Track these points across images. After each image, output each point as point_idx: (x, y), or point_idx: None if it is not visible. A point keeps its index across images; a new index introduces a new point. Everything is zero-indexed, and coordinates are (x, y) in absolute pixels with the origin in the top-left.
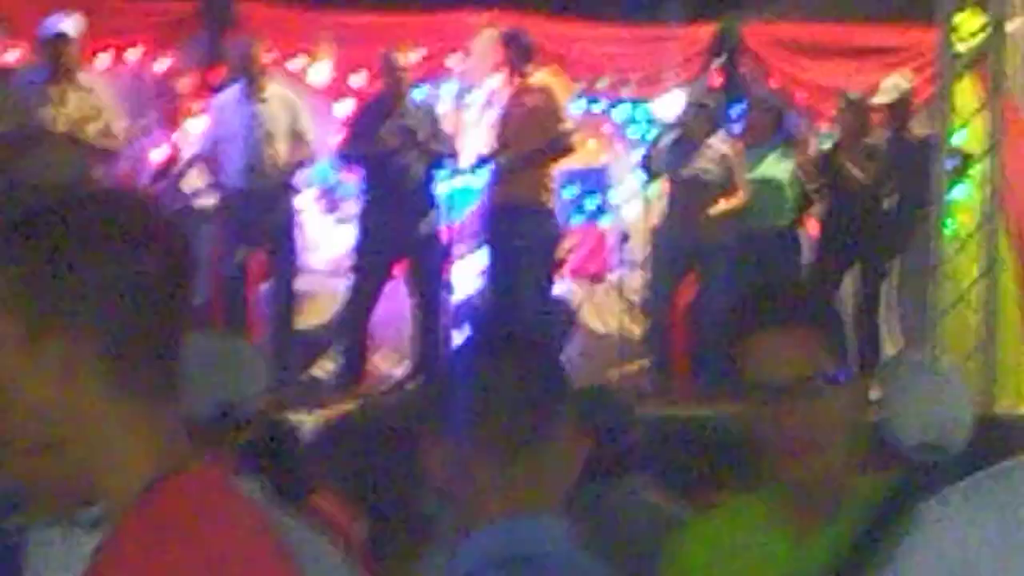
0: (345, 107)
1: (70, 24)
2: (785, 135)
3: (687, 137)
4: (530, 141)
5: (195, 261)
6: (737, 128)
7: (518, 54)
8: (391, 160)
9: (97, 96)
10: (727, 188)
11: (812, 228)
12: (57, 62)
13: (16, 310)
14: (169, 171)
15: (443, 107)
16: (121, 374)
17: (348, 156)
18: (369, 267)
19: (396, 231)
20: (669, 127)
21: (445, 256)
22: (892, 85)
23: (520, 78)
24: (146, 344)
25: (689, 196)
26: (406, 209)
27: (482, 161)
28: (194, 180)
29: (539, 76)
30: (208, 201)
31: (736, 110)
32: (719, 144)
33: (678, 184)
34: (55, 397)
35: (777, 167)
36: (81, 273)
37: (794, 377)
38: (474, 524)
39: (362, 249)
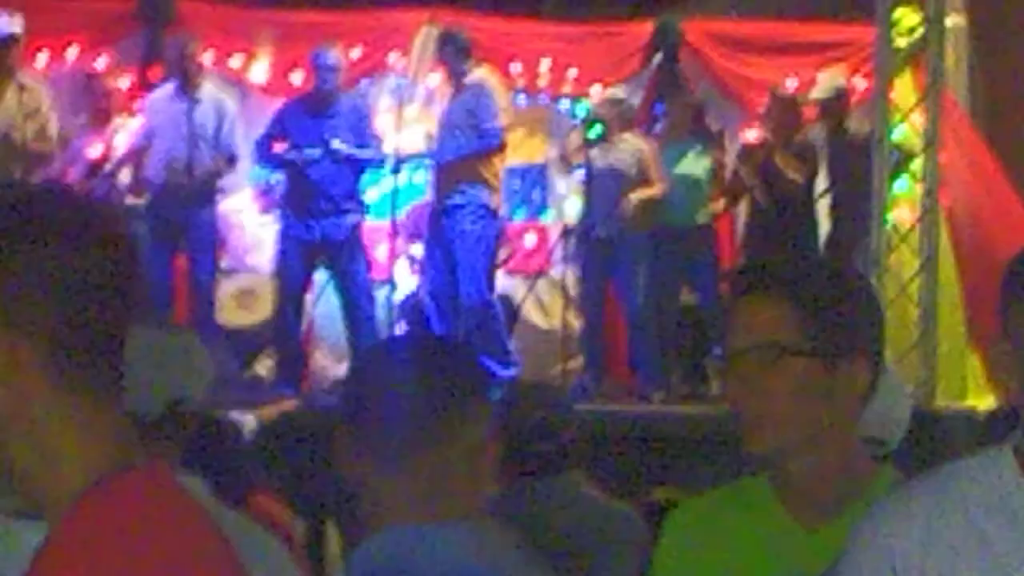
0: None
1: (16, 24)
2: (705, 132)
3: (605, 133)
4: (467, 138)
5: (137, 257)
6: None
7: (455, 53)
8: (307, 169)
9: (35, 96)
10: (642, 182)
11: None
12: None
13: None
14: (103, 168)
15: (382, 104)
16: (66, 371)
17: (270, 156)
18: (288, 271)
19: (312, 237)
20: (583, 122)
21: (365, 255)
22: (828, 80)
23: (457, 76)
24: (91, 341)
25: (604, 189)
26: (322, 216)
27: (420, 158)
28: (126, 177)
29: (476, 74)
30: (138, 199)
31: (660, 107)
32: (633, 139)
33: (593, 178)
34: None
35: (696, 164)
36: (22, 270)
37: (749, 343)
38: (376, 530)
39: (282, 253)
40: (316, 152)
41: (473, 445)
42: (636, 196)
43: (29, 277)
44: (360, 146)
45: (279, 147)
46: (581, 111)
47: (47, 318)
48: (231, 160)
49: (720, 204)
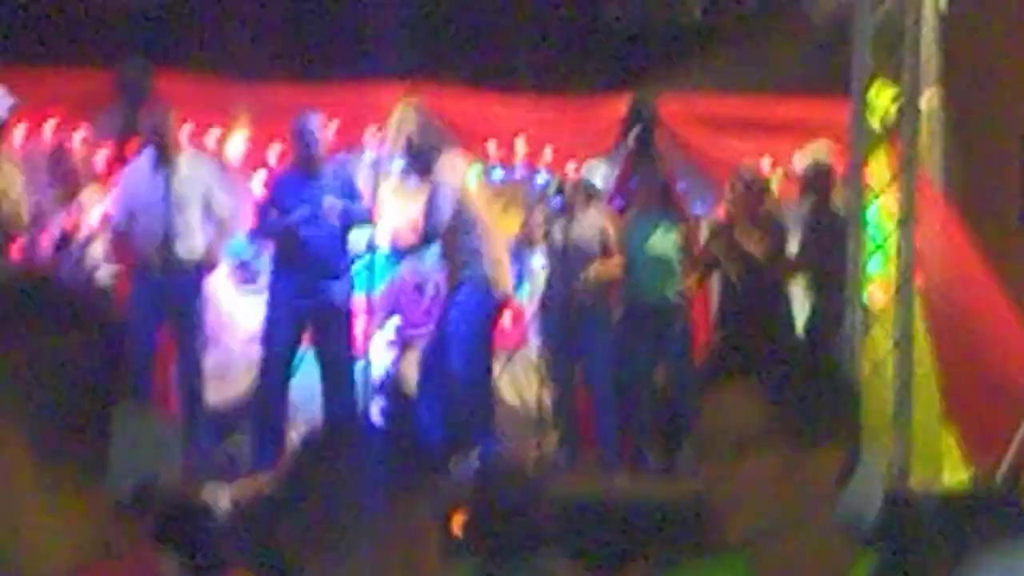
0: (261, 180)
1: (4, 107)
2: (674, 207)
3: (565, 208)
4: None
5: (118, 340)
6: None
7: (422, 155)
8: (299, 230)
9: (8, 177)
10: (604, 257)
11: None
12: None
13: None
14: (73, 242)
15: (359, 179)
16: (46, 456)
17: (260, 228)
18: (277, 340)
19: (303, 303)
20: (549, 198)
21: (351, 328)
22: (811, 154)
23: (421, 176)
24: (73, 424)
25: (567, 265)
26: (314, 280)
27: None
28: (97, 252)
29: (442, 167)
30: (109, 274)
31: (632, 181)
32: (596, 216)
33: (555, 254)
34: None
35: (665, 239)
36: (3, 355)
37: (720, 431)
38: None
39: (271, 321)
40: (306, 210)
41: (411, 532)
42: (594, 270)
43: (10, 361)
44: (357, 214)
45: (272, 216)
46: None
47: (29, 401)
48: (226, 223)
49: (692, 280)
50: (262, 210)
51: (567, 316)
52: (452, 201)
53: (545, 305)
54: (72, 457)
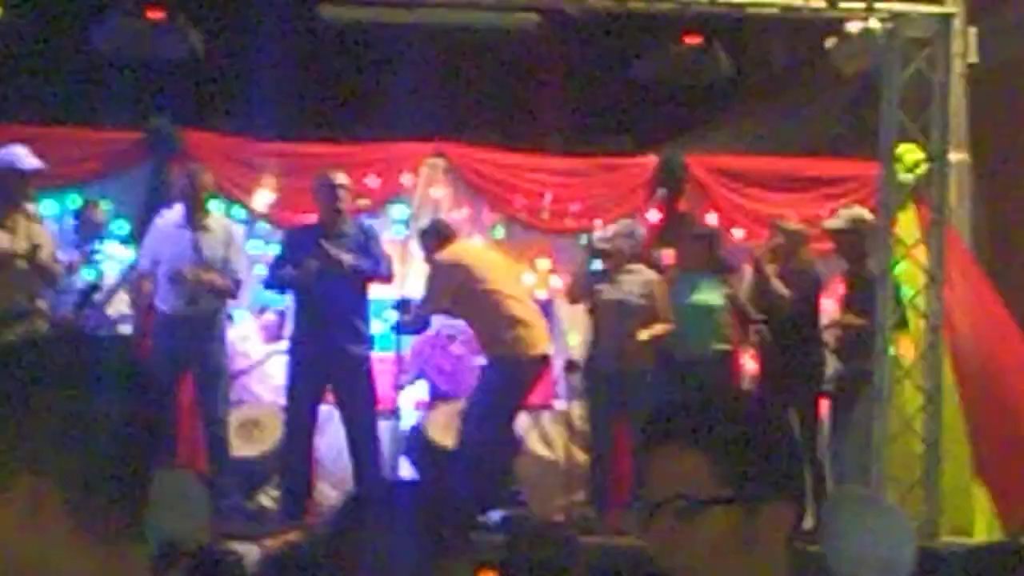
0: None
1: (33, 160)
2: (719, 262)
3: (610, 265)
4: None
5: (148, 394)
6: (667, 256)
7: (429, 237)
8: (321, 287)
9: (41, 224)
10: (650, 315)
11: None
12: (13, 192)
13: None
14: (95, 297)
15: (385, 236)
16: (87, 516)
17: (277, 283)
18: (300, 396)
19: (327, 359)
20: (594, 255)
21: (374, 386)
22: (847, 212)
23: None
24: (114, 484)
25: (613, 322)
26: (332, 337)
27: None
28: (120, 305)
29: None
30: (132, 328)
31: (667, 238)
32: (643, 270)
33: (601, 310)
34: (19, 540)
35: (710, 293)
36: (45, 415)
37: (666, 497)
38: None
39: (293, 377)
40: (315, 263)
41: None
42: (645, 333)
43: (52, 422)
44: (372, 267)
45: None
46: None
47: (70, 462)
48: (236, 286)
49: (737, 334)
50: (275, 262)
51: (609, 374)
52: (449, 283)
53: (590, 362)
54: (106, 514)
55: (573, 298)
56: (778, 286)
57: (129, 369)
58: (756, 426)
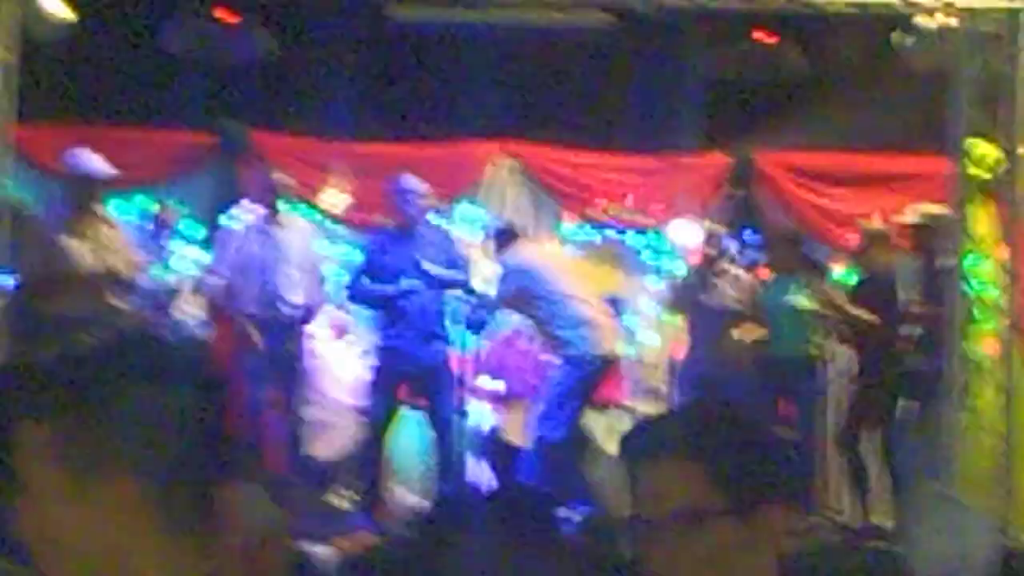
0: (359, 236)
1: (106, 166)
2: (806, 263)
3: (704, 267)
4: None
5: (223, 396)
6: (754, 256)
7: (501, 240)
8: (403, 289)
9: (115, 228)
10: (747, 316)
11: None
12: (83, 197)
13: (67, 459)
14: (172, 299)
15: (456, 236)
16: (171, 514)
17: (361, 287)
18: (378, 399)
19: (408, 361)
20: (686, 261)
21: (456, 386)
22: (920, 207)
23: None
24: (194, 484)
25: (711, 326)
26: (417, 339)
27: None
28: (192, 308)
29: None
30: (205, 330)
31: (753, 238)
32: (737, 271)
33: (699, 315)
34: (106, 545)
35: (802, 295)
36: (125, 414)
37: (665, 512)
38: None
39: (376, 378)
40: (414, 282)
41: None
42: (742, 335)
43: (131, 422)
44: (450, 268)
45: (371, 281)
46: (656, 242)
47: (153, 462)
48: (320, 286)
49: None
50: (359, 273)
51: (706, 377)
52: (518, 284)
53: (688, 362)
54: (186, 514)
55: (675, 307)
56: (862, 315)
57: (202, 370)
58: (747, 433)
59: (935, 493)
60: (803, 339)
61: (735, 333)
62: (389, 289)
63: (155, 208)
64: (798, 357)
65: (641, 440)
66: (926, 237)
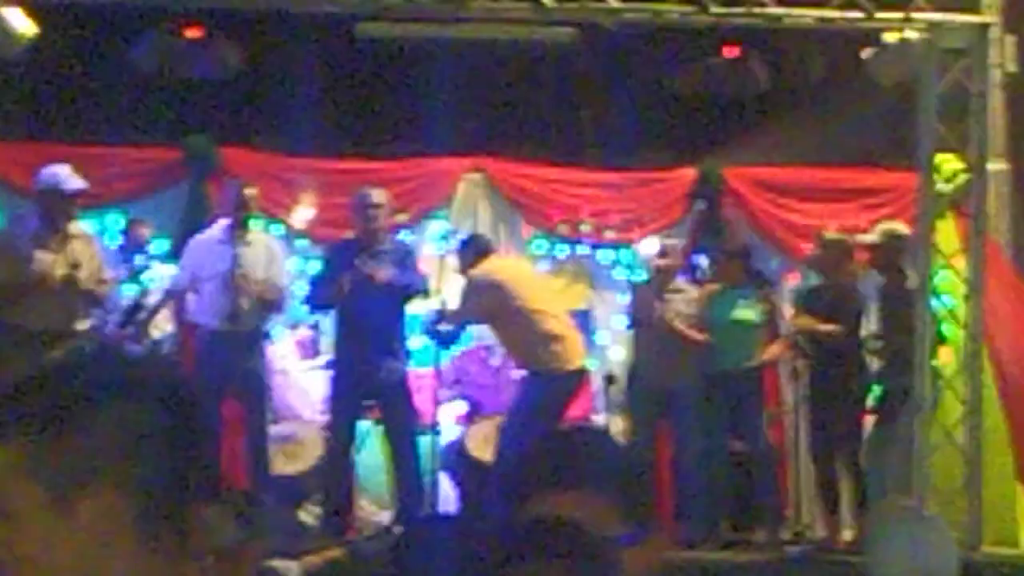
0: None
1: (76, 181)
2: (754, 276)
3: (659, 282)
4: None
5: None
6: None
7: (470, 256)
8: (358, 304)
9: (86, 244)
10: (697, 329)
11: None
12: (55, 213)
13: (42, 477)
14: (138, 314)
15: (424, 251)
16: (151, 530)
17: (317, 300)
18: (341, 412)
19: (367, 375)
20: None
21: (412, 401)
22: (883, 226)
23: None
24: (171, 497)
25: (660, 339)
26: (373, 353)
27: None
28: (163, 323)
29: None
30: (173, 345)
31: (709, 254)
32: (689, 289)
33: (647, 328)
34: (85, 562)
35: (749, 309)
36: (104, 433)
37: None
38: None
39: (334, 394)
40: (349, 279)
41: None
42: (691, 343)
43: (111, 436)
44: (408, 283)
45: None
46: (625, 258)
47: (130, 476)
48: (281, 302)
49: (775, 349)
50: (315, 279)
51: (654, 390)
52: (484, 298)
53: (634, 377)
54: (167, 529)
55: (633, 320)
56: (825, 329)
57: (171, 386)
58: (633, 463)
59: (897, 506)
60: (747, 355)
61: (768, 351)
62: (334, 289)
63: (125, 225)
64: (740, 372)
65: (537, 476)
66: (889, 255)
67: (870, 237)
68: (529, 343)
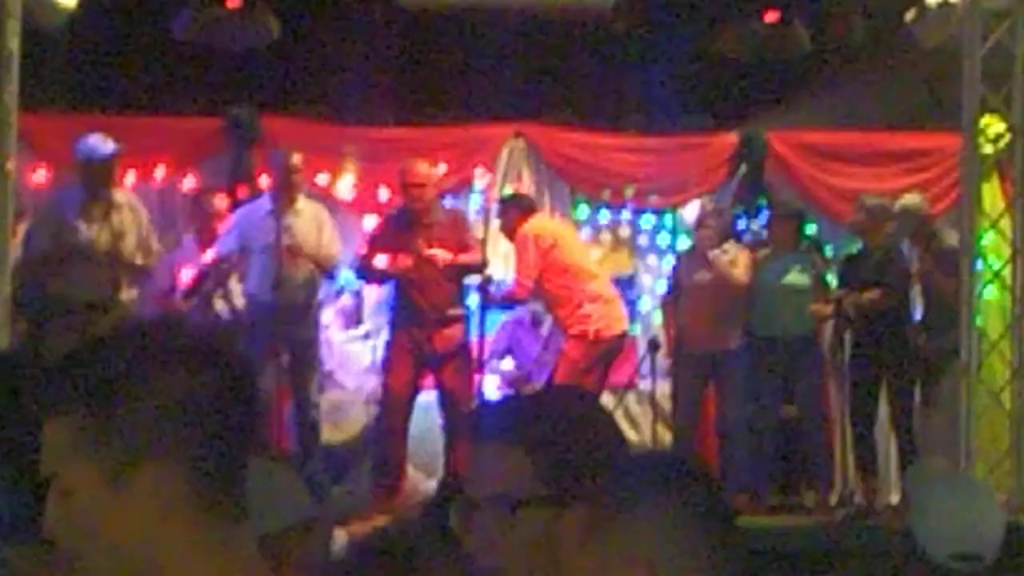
0: (371, 221)
1: (108, 146)
2: (807, 241)
3: (700, 245)
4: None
5: (254, 380)
6: (759, 235)
7: (513, 217)
8: (415, 277)
9: (132, 213)
10: (739, 294)
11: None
12: (94, 181)
13: (93, 454)
14: (200, 287)
15: (469, 220)
16: (207, 499)
17: (370, 272)
18: (396, 381)
19: (419, 345)
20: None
21: (471, 369)
22: (908, 199)
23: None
24: (225, 466)
25: (702, 303)
26: (427, 323)
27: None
28: (221, 297)
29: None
30: (229, 315)
31: (759, 217)
32: (733, 250)
33: (691, 292)
34: (145, 534)
35: (801, 275)
36: (158, 400)
37: (486, 495)
38: None
39: (389, 362)
40: (409, 261)
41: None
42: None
43: (166, 407)
44: (459, 252)
45: (378, 260)
46: (668, 223)
47: (186, 445)
48: (334, 270)
49: (827, 310)
50: (366, 254)
51: (699, 354)
52: (539, 254)
53: (677, 341)
54: (230, 501)
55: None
56: (868, 297)
57: (221, 356)
58: (577, 426)
59: (938, 468)
60: (799, 320)
61: (811, 309)
62: (390, 268)
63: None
64: (794, 337)
65: (479, 425)
66: (916, 226)
67: (902, 206)
68: (574, 304)
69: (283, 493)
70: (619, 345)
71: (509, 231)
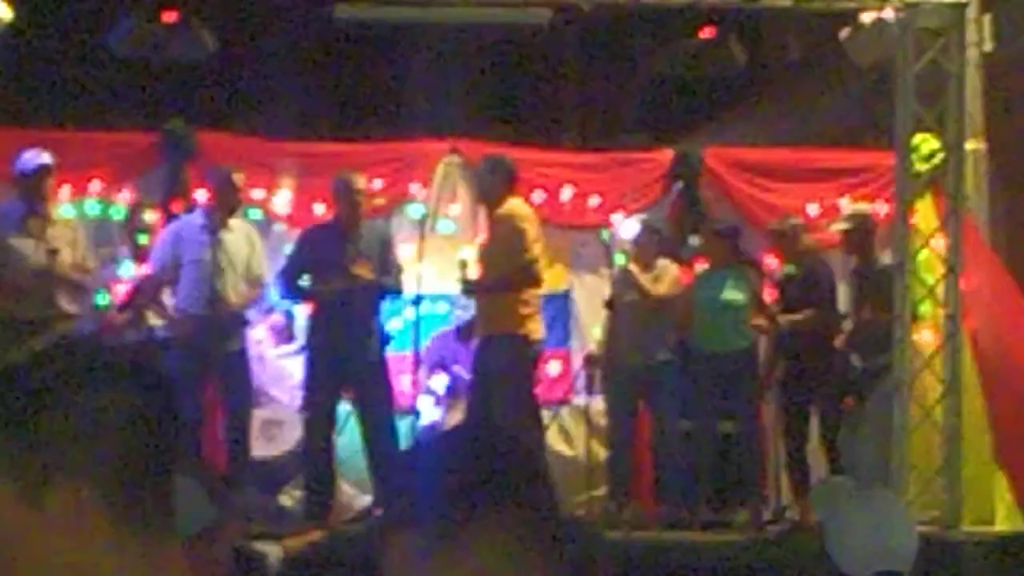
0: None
1: (43, 158)
2: (742, 257)
3: (638, 262)
4: (500, 270)
5: (175, 396)
6: (692, 252)
7: (499, 182)
8: (336, 290)
9: (69, 228)
10: (664, 308)
11: None
12: (30, 195)
13: (9, 471)
14: (134, 301)
15: (403, 235)
16: (128, 516)
17: (296, 293)
18: (319, 396)
19: (344, 358)
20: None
21: (389, 384)
22: (851, 209)
23: (491, 206)
24: (146, 482)
25: (633, 318)
26: (352, 336)
27: (443, 297)
28: (154, 312)
29: (510, 205)
30: (163, 330)
31: (694, 234)
32: (669, 268)
33: (622, 308)
34: (64, 553)
35: (737, 290)
36: (79, 416)
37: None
38: None
39: (311, 378)
40: (336, 285)
41: None
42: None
43: (80, 425)
44: (382, 274)
45: (303, 278)
46: (604, 239)
47: (101, 463)
48: (263, 290)
49: (763, 324)
50: (290, 263)
51: (633, 369)
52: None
53: (611, 356)
54: (152, 515)
55: (612, 299)
56: (797, 319)
57: (143, 371)
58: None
59: (846, 485)
60: (735, 335)
61: (752, 323)
62: (315, 288)
63: (125, 204)
64: (729, 353)
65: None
66: (860, 237)
67: (840, 225)
68: (518, 300)
69: (184, 502)
70: (537, 357)
71: (493, 199)
